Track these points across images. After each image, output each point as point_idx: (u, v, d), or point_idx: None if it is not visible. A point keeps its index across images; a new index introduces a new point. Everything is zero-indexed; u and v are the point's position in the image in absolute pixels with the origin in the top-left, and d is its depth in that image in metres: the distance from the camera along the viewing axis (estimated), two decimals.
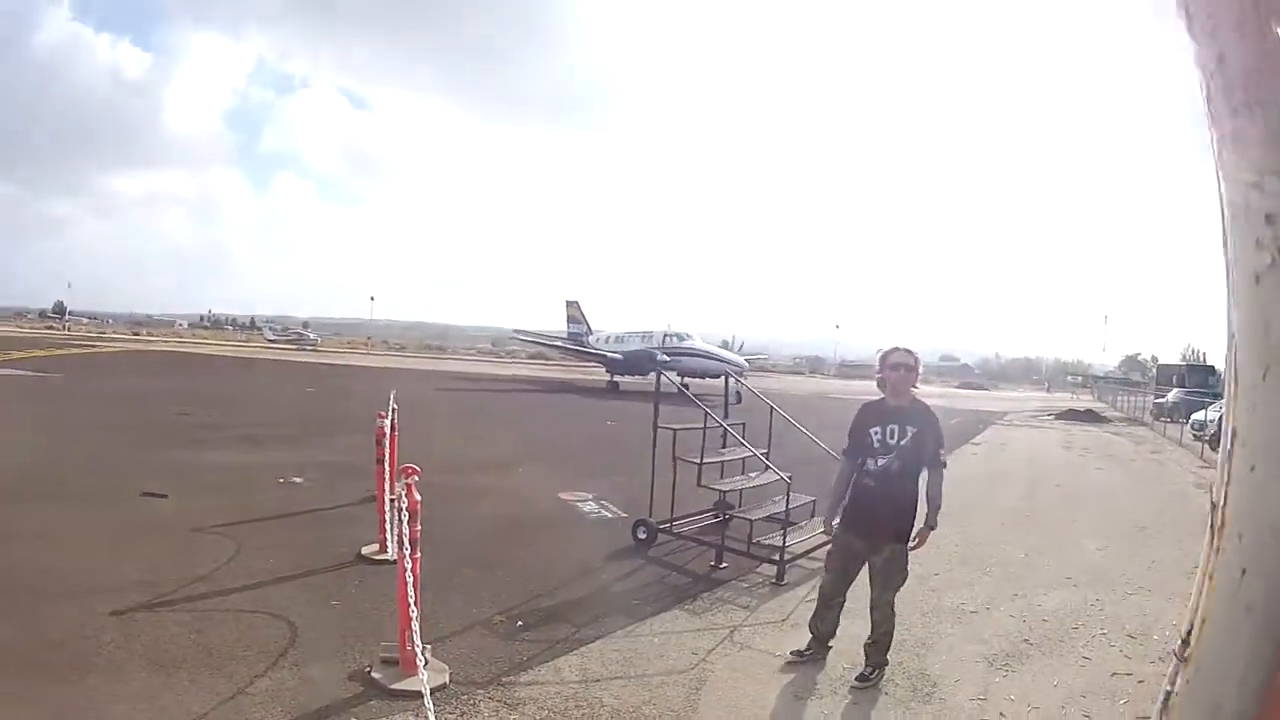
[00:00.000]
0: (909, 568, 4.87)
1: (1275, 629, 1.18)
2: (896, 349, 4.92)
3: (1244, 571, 1.22)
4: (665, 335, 34.69)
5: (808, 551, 7.03)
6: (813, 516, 7.64)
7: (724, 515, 7.89)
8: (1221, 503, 1.27)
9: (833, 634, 5.03)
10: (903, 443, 4.68)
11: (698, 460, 7.51)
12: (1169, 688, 1.71)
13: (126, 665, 4.10)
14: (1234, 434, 1.24)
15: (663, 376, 8.51)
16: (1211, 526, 1.54)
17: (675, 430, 7.61)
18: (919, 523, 4.79)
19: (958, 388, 69.23)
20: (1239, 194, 1.23)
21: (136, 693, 3.80)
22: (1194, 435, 20.57)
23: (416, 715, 3.79)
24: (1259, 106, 1.17)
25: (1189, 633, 1.64)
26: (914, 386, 4.85)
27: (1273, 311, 1.19)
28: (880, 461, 4.70)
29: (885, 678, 4.71)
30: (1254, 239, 1.20)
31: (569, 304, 44.50)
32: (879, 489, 4.70)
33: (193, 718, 3.60)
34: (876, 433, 4.73)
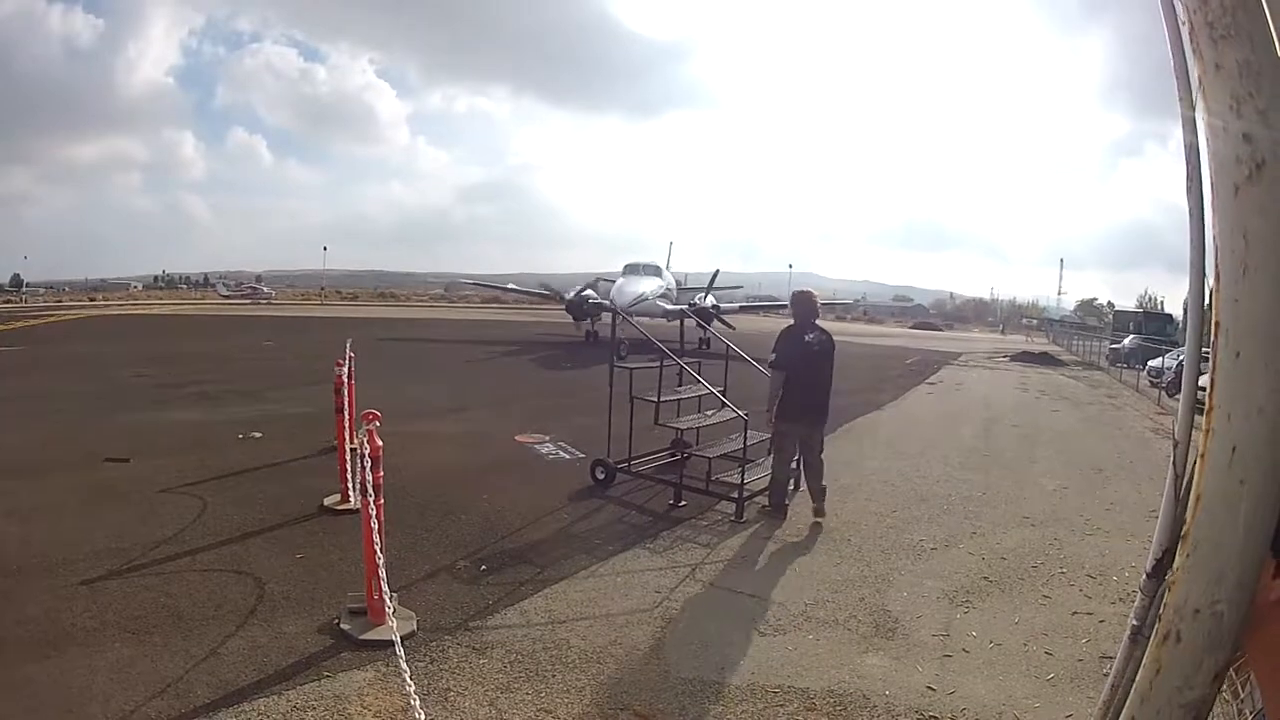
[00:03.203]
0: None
1: (1266, 498, 1.32)
2: (810, 291, 7.53)
3: (1234, 448, 1.34)
4: (626, 267, 29.15)
5: (766, 489, 7.18)
6: (769, 454, 7.79)
7: (682, 454, 8.03)
8: (1209, 387, 1.38)
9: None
10: (822, 338, 7.03)
11: (654, 399, 7.61)
12: (1135, 622, 1.86)
13: (100, 635, 4.13)
14: (1218, 325, 1.35)
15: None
16: (1173, 463, 1.68)
17: (632, 369, 7.68)
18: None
19: (912, 328, 69.87)
20: (1219, 116, 1.35)
21: (112, 663, 3.84)
22: (1150, 382, 20.86)
23: (387, 665, 3.91)
24: (1236, 38, 1.31)
25: (1158, 556, 1.78)
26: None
27: (1249, 218, 1.35)
28: (815, 347, 6.92)
29: (848, 614, 4.93)
30: (1234, 155, 1.34)
31: (670, 245, 41.02)
32: (805, 382, 6.79)
33: (169, 683, 3.67)
34: (810, 337, 6.95)
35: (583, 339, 27.39)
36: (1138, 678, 1.53)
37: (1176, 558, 1.41)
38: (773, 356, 6.90)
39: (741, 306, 34.22)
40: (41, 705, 3.46)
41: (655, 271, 28.49)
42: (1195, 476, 1.36)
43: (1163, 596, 1.81)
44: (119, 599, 4.59)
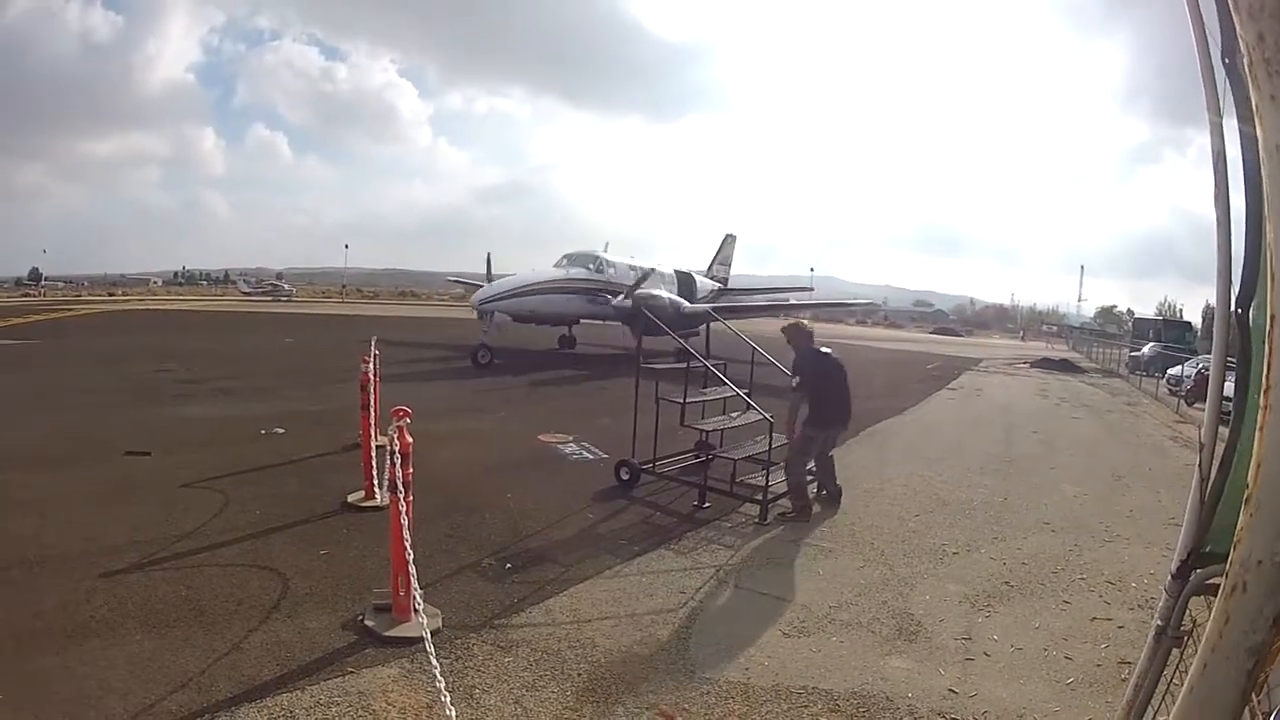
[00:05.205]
0: None
1: None
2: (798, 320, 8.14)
3: None
4: (563, 257, 23.44)
5: (787, 494, 7.11)
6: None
7: (706, 455, 7.99)
8: (1264, 370, 1.59)
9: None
10: (834, 355, 7.60)
11: (680, 400, 7.57)
12: (1160, 622, 2.07)
13: (121, 629, 4.10)
14: (1273, 317, 1.57)
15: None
16: (1199, 466, 1.96)
17: (658, 368, 7.62)
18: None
19: (932, 333, 69.85)
20: (1275, 138, 1.54)
21: (132, 656, 3.81)
22: (1170, 390, 20.78)
23: (412, 661, 3.87)
24: None
25: (1183, 557, 2.00)
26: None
27: None
28: (834, 370, 7.41)
29: (871, 616, 4.90)
30: None
31: (731, 239, 35.77)
32: (833, 394, 7.28)
33: (190, 677, 3.63)
34: (825, 350, 7.56)
35: (556, 345, 24.53)
36: (1207, 629, 1.68)
37: (1240, 518, 1.62)
38: (795, 380, 7.20)
39: (730, 307, 27.68)
40: (59, 698, 3.42)
41: (589, 263, 23.13)
42: (1255, 447, 1.61)
43: (1188, 597, 1.99)
44: (139, 592, 4.56)
